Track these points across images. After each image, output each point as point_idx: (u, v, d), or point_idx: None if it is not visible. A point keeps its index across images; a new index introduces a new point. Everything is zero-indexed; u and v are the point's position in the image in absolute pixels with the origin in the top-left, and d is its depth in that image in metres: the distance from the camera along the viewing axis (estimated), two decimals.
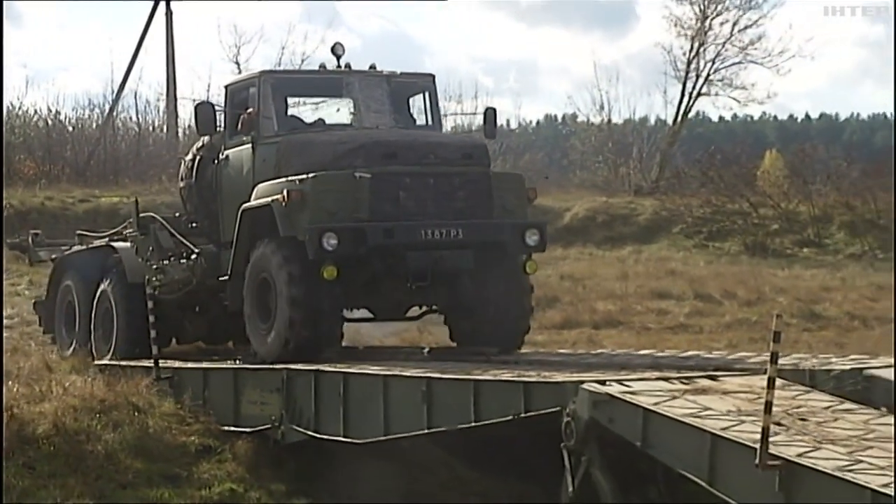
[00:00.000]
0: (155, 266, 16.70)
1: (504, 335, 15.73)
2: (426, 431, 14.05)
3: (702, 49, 50.42)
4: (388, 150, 14.83)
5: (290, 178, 14.58)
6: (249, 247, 14.99)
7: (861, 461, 10.36)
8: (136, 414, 16.57)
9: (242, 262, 15.09)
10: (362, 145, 14.77)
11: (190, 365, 18.43)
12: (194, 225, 17.51)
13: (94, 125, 48.18)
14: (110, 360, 17.55)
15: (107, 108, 49.24)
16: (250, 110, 15.91)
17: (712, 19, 50.18)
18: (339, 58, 16.44)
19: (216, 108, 16.75)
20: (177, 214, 17.92)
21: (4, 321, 25.59)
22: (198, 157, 17.60)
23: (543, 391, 12.79)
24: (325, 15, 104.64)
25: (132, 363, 18.73)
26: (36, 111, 49.40)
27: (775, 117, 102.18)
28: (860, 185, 45.03)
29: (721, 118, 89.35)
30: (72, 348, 18.97)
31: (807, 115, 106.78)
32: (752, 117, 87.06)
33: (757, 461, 10.22)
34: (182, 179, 18.28)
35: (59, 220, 34.96)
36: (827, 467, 10.15)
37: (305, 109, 16.70)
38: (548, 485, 12.99)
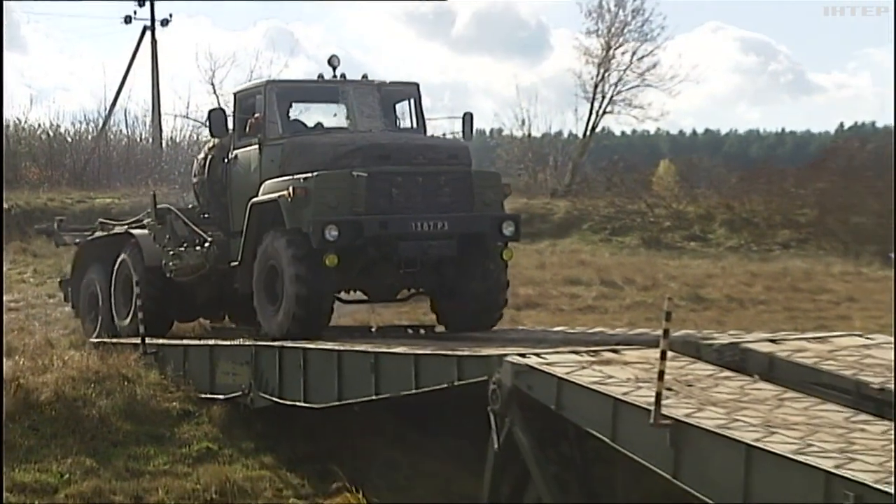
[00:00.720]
0: (171, 252, 16.50)
1: (483, 314, 15.71)
2: (374, 398, 14.14)
3: (606, 74, 51.17)
4: (382, 151, 14.78)
5: (294, 175, 14.41)
6: (258, 237, 14.90)
7: (737, 420, 10.69)
8: (125, 383, 16.63)
9: (251, 250, 15.02)
10: (359, 147, 14.70)
11: (172, 342, 18.32)
12: (206, 216, 17.22)
13: (90, 137, 48.80)
14: (129, 331, 17.22)
15: (100, 122, 50.07)
16: (257, 115, 15.75)
17: (615, 49, 51.01)
18: (334, 68, 16.33)
19: (226, 113, 16.24)
20: (189, 206, 17.84)
21: (12, 304, 25.62)
22: (209, 157, 17.33)
23: (473, 363, 12.91)
24: (287, 44, 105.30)
25: (122, 340, 18.73)
26: (39, 125, 50.09)
27: (668, 132, 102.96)
28: (738, 190, 45.90)
29: (623, 133, 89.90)
30: (96, 323, 18.69)
31: (693, 131, 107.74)
32: (648, 132, 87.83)
33: (651, 420, 10.47)
34: (195, 176, 17.94)
35: (49, 215, 34.70)
36: (709, 425, 10.41)
37: (305, 113, 16.46)
38: (476, 442, 13.01)
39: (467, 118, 16.39)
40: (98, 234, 19.06)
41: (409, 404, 14.22)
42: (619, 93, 52.27)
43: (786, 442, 10.04)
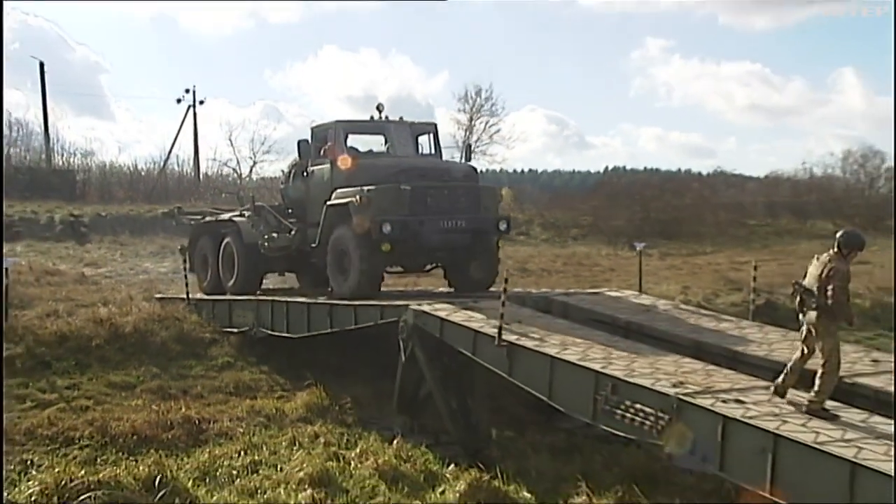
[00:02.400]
0: (266, 235, 16.42)
1: (482, 282, 15.54)
2: (329, 331, 14.54)
3: (469, 135, 50.59)
4: (420, 172, 14.79)
5: (359, 187, 14.41)
6: (331, 228, 14.90)
7: (545, 342, 11.05)
8: (176, 322, 16.96)
9: (326, 238, 14.98)
10: (404, 169, 14.71)
11: (205, 297, 18.29)
12: (290, 211, 17.03)
13: (155, 172, 47.39)
14: (233, 289, 17.28)
15: (161, 163, 49.16)
16: (329, 144, 15.59)
17: (476, 121, 50.52)
18: (380, 112, 16.14)
19: (307, 143, 15.95)
20: (276, 204, 17.67)
21: (106, 275, 24.81)
22: (292, 171, 17.16)
23: (390, 310, 13.48)
24: (274, 115, 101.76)
25: (174, 296, 18.69)
26: (124, 165, 49.11)
27: (507, 171, 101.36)
28: (547, 205, 46.56)
29: (481, 171, 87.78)
30: (206, 278, 18.49)
31: (522, 170, 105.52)
32: (496, 171, 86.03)
33: (496, 343, 11.05)
34: (282, 184, 17.95)
35: (135, 221, 34.15)
36: (529, 345, 10.93)
37: (359, 142, 16.69)
38: (391, 359, 13.32)
39: (465, 148, 17.05)
40: (208, 218, 18.97)
41: (353, 336, 14.38)
42: (478, 147, 52.11)
43: (574, 354, 10.57)
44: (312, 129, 16.38)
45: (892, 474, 6.72)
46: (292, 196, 17.17)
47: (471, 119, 52.36)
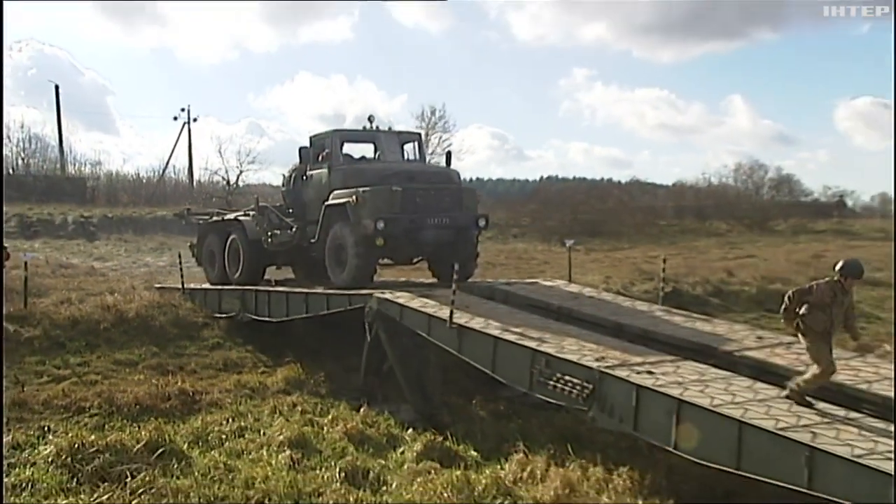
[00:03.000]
0: (269, 232, 15.98)
1: (463, 273, 14.79)
2: (305, 315, 14.49)
3: (426, 148, 50.06)
4: (409, 175, 14.30)
5: (354, 188, 13.98)
6: (329, 226, 14.43)
7: (490, 323, 11.07)
8: (173, 308, 16.72)
9: (325, 234, 14.52)
10: (395, 172, 14.28)
11: (197, 287, 17.89)
12: (290, 210, 16.33)
13: (155, 180, 47.19)
14: (238, 280, 16.74)
15: (160, 172, 48.89)
16: (326, 151, 15.22)
17: (431, 136, 49.62)
18: (371, 122, 15.76)
19: (307, 150, 15.51)
20: (277, 205, 16.91)
21: (113, 268, 24.72)
22: (293, 175, 16.48)
23: (358, 297, 13.44)
24: (258, 131, 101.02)
25: (171, 286, 18.28)
26: (128, 174, 49.55)
27: None
28: (493, 208, 45.19)
29: None
30: (213, 271, 17.83)
31: (470, 179, 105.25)
32: None
33: (448, 325, 11.09)
34: (283, 186, 17.15)
35: (137, 222, 33.93)
36: (476, 326, 11.00)
37: (353, 149, 16.30)
38: (358, 339, 13.36)
39: (448, 154, 16.27)
40: (215, 218, 18.34)
41: (326, 320, 14.19)
42: (432, 158, 51.64)
43: (514, 335, 10.59)
44: (311, 138, 15.87)
45: (891, 472, 6.39)
46: (293, 197, 16.57)
47: (427, 134, 50.48)
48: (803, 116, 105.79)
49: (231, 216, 17.73)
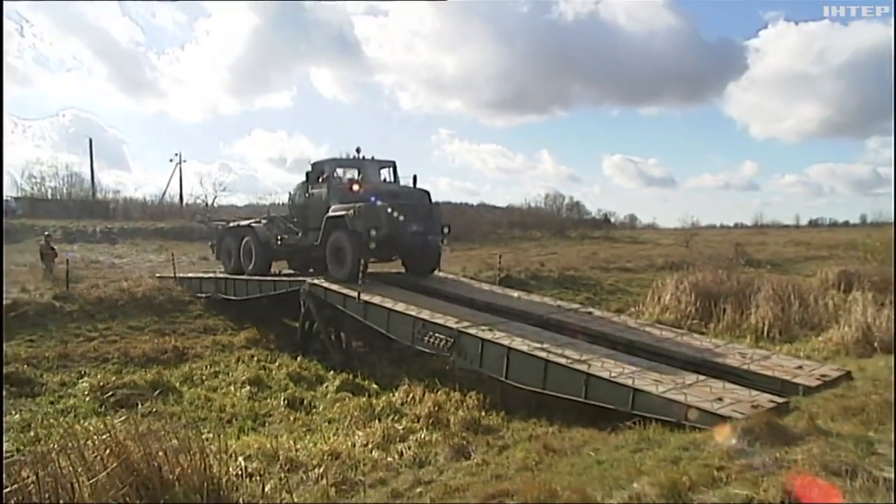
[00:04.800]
0: (278, 237, 14.53)
1: (429, 266, 13.87)
2: (259, 295, 14.03)
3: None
4: (393, 195, 12.77)
5: (350, 204, 12.60)
6: (330, 232, 12.87)
7: (385, 299, 10.85)
8: (169, 290, 15.88)
9: (326, 239, 12.93)
10: (382, 192, 12.74)
11: (184, 275, 16.88)
12: (295, 220, 14.77)
13: (158, 202, 45.17)
14: (251, 272, 14.91)
15: (160, 197, 46.60)
16: (325, 175, 13.70)
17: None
18: (358, 152, 14.04)
19: (311, 172, 14.11)
20: (284, 216, 15.47)
21: (127, 261, 23.60)
22: (297, 192, 14.79)
23: (295, 282, 13.08)
24: (227, 168, 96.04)
25: (167, 276, 17.17)
26: (139, 198, 46.38)
27: None
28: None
29: None
30: (230, 265, 15.85)
31: None
32: None
33: (357, 301, 11.01)
34: (290, 200, 15.31)
35: (144, 232, 32.76)
36: (377, 301, 10.84)
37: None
38: (295, 311, 13.16)
39: (414, 177, 13.92)
40: (232, 224, 16.45)
41: (274, 298, 13.83)
42: None
43: (402, 307, 10.45)
44: (313, 164, 14.24)
45: (630, 385, 6.78)
46: (297, 209, 14.80)
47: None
48: (584, 165, 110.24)
49: (245, 223, 16.14)
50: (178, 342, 12.96)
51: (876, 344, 9.76)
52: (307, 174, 14.32)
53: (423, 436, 7.45)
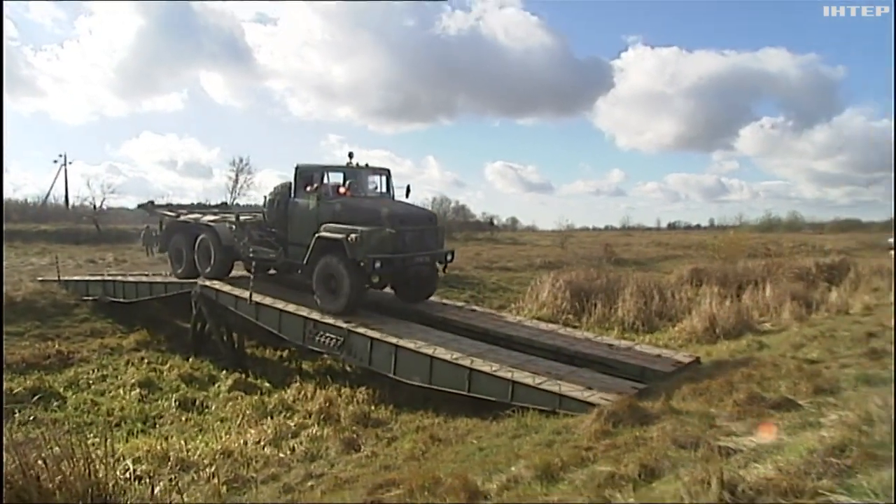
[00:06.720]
0: (251, 248, 11.75)
1: (424, 297, 11.42)
2: (149, 297, 13.27)
3: (236, 184, 44.47)
4: (400, 218, 10.20)
5: (348, 225, 10.21)
6: (319, 255, 10.30)
7: (278, 301, 10.54)
8: (52, 294, 14.41)
9: (314, 261, 10.30)
10: (387, 215, 10.13)
11: (68, 279, 15.34)
12: (273, 230, 11.74)
13: (39, 204, 39.72)
14: (208, 275, 12.35)
15: (43, 199, 41.32)
16: (316, 185, 10.96)
17: (240, 176, 44.82)
18: (351, 158, 11.70)
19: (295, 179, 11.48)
20: (256, 221, 12.30)
21: (111, 260, 21.91)
22: (276, 198, 11.71)
23: (187, 284, 12.41)
24: (115, 171, 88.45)
25: (50, 279, 15.60)
26: (17, 200, 40.53)
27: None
28: None
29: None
30: (181, 266, 12.92)
31: None
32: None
33: (248, 302, 10.70)
34: (265, 206, 11.92)
35: (24, 234, 29.73)
36: (268, 302, 10.57)
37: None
38: (187, 313, 12.44)
39: (408, 188, 11.77)
40: (183, 218, 13.18)
41: (164, 300, 13.18)
42: (242, 193, 46.76)
43: (293, 307, 10.26)
44: (298, 168, 11.55)
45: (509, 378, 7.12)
46: (274, 217, 11.82)
47: (237, 175, 47.53)
48: (468, 170, 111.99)
49: (203, 221, 13.16)
50: (62, 346, 12.12)
51: (718, 331, 10.76)
52: (293, 180, 11.79)
53: (314, 431, 7.44)
